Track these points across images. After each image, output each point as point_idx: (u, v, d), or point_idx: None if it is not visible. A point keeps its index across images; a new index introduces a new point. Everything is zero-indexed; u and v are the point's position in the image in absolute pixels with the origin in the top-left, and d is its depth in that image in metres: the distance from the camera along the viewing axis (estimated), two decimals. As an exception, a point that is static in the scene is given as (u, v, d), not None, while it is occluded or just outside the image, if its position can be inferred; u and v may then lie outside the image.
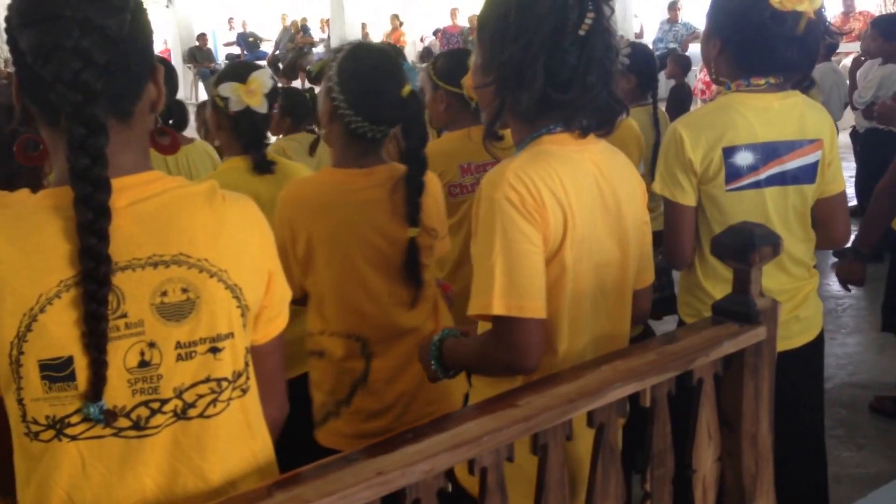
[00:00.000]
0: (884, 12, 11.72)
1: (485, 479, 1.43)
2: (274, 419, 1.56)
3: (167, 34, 20.55)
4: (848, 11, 12.64)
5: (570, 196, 1.70)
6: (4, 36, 1.35)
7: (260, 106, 2.63)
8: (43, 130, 1.34)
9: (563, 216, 1.69)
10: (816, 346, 2.56)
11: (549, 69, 1.68)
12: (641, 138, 3.74)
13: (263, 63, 20.14)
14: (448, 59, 3.17)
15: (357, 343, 2.31)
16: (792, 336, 2.40)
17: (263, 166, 2.70)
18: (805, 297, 2.47)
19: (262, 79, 2.64)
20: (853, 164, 7.06)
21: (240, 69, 2.74)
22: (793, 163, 2.34)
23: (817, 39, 2.30)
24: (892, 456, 3.77)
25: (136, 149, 1.36)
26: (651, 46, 13.15)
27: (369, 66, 2.27)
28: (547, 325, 1.71)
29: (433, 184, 2.40)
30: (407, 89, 2.22)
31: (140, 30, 1.33)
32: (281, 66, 18.83)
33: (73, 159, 1.22)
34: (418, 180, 2.25)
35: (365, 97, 2.23)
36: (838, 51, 7.90)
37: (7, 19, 1.28)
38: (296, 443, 2.42)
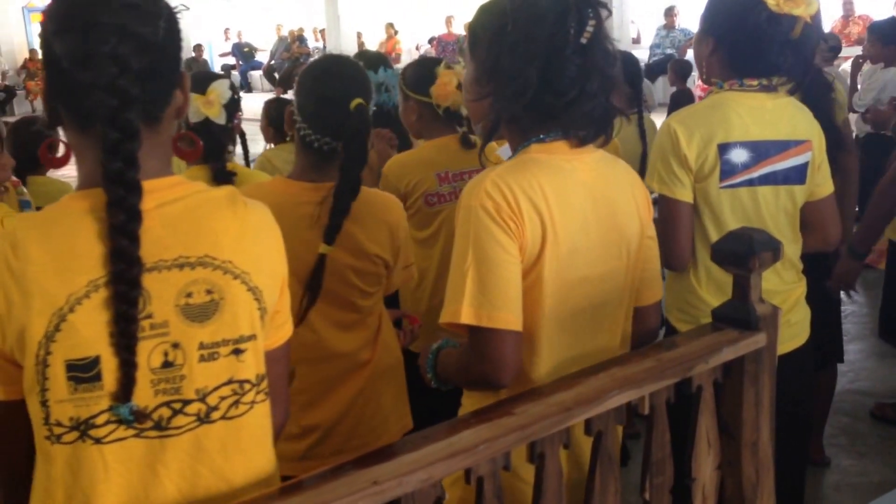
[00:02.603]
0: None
1: (481, 489, 1.41)
2: (279, 423, 1.57)
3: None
4: (847, 15, 12.70)
5: (553, 206, 1.66)
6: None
7: (218, 117, 2.63)
8: (70, 134, 1.38)
9: (542, 226, 1.66)
10: (806, 352, 2.53)
11: (549, 78, 1.66)
12: (619, 148, 3.70)
13: (258, 73, 20.33)
14: (416, 69, 3.14)
15: None
16: (782, 341, 2.35)
17: (222, 177, 2.70)
18: (795, 301, 2.45)
19: (221, 90, 2.64)
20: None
21: (200, 80, 2.72)
22: (784, 163, 2.34)
23: (812, 45, 2.29)
24: (893, 464, 3.76)
25: (162, 154, 1.40)
26: (648, 52, 13.22)
27: (323, 74, 2.23)
28: (523, 339, 1.67)
29: (391, 210, 2.33)
30: (355, 102, 2.14)
31: (172, 38, 1.37)
32: (277, 75, 18.91)
33: (107, 162, 1.26)
34: (345, 198, 2.14)
35: (311, 105, 2.19)
36: (839, 55, 7.91)
37: (43, 25, 1.33)
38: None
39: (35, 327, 1.27)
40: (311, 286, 2.16)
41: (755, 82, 2.31)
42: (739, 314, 1.76)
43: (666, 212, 2.36)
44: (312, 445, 2.25)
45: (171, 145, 1.46)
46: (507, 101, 1.70)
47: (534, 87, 1.66)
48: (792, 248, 2.43)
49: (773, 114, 2.32)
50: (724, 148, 2.28)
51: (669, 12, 13.64)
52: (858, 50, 7.14)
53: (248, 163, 3.52)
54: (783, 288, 2.41)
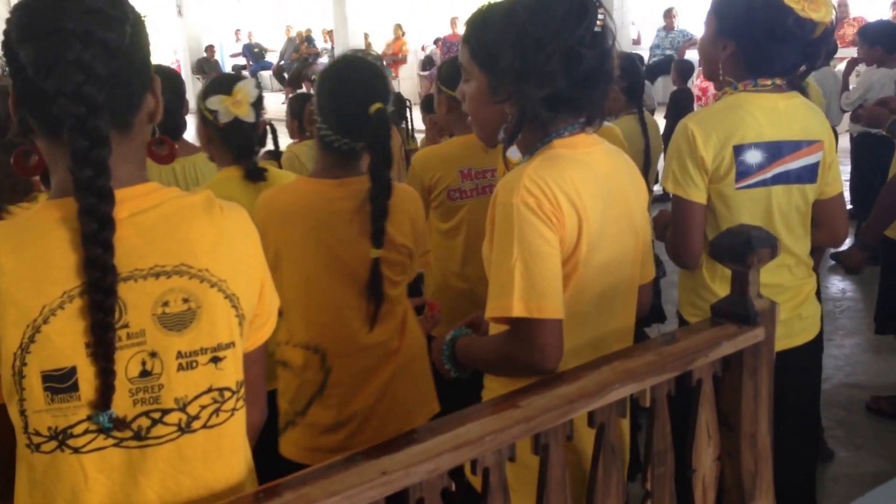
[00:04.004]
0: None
1: (487, 479, 1.45)
2: (256, 423, 1.58)
3: (177, 46, 20.76)
4: (842, 17, 12.74)
5: (584, 198, 1.72)
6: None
7: (248, 115, 2.67)
8: (41, 142, 1.35)
9: (578, 218, 1.71)
10: (816, 345, 2.58)
11: (570, 71, 1.71)
12: (625, 145, 3.75)
13: (268, 73, 20.42)
14: (451, 65, 3.22)
15: (316, 355, 2.30)
16: (794, 334, 2.42)
17: (256, 174, 2.74)
18: (807, 296, 2.49)
19: (247, 89, 2.68)
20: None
21: (224, 81, 2.76)
22: (796, 162, 2.37)
23: (826, 45, 2.33)
24: (888, 456, 3.81)
25: (135, 160, 1.38)
26: (648, 53, 13.23)
27: (343, 77, 2.28)
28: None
29: (411, 201, 2.40)
30: (374, 107, 2.19)
31: (139, 42, 1.34)
32: (286, 75, 18.95)
33: (76, 171, 1.24)
34: (381, 200, 2.21)
35: (331, 107, 2.25)
36: (834, 56, 7.96)
37: (6, 33, 1.30)
38: (261, 452, 2.45)
39: (10, 339, 1.25)
40: (372, 291, 2.25)
41: (769, 82, 2.35)
42: (738, 309, 1.79)
43: (679, 212, 2.40)
44: (350, 435, 2.31)
45: (146, 150, 1.43)
46: (537, 98, 1.72)
47: (562, 81, 1.70)
48: (802, 246, 2.47)
49: (786, 114, 2.36)
50: (739, 150, 2.31)
51: (668, 14, 13.63)
52: (853, 51, 7.20)
53: (278, 157, 3.64)
54: (795, 283, 2.45)
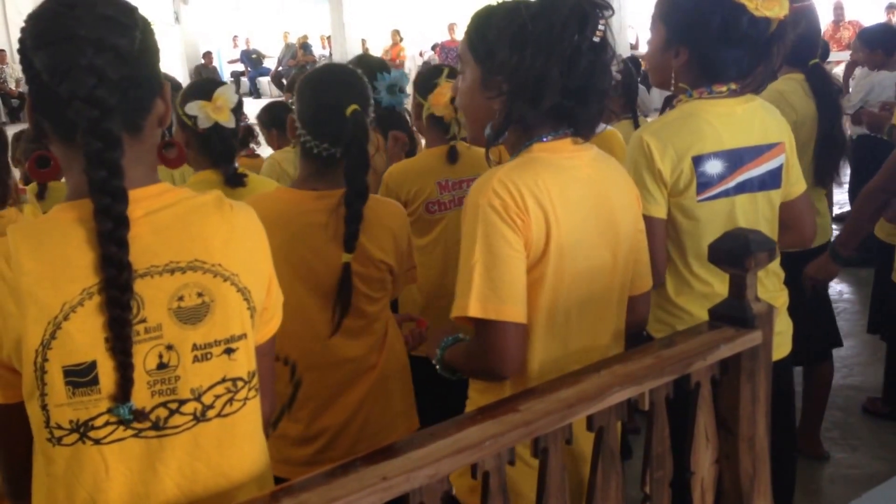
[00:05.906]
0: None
1: (487, 483, 1.45)
2: (266, 415, 1.61)
3: (175, 52, 20.78)
4: (838, 20, 12.81)
5: (556, 203, 1.72)
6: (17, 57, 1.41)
7: (228, 121, 2.68)
8: (56, 146, 1.40)
9: (546, 223, 1.71)
10: (788, 364, 2.51)
11: (564, 79, 1.70)
12: (626, 150, 3.73)
13: (266, 79, 20.41)
14: (425, 74, 3.20)
15: (286, 367, 2.24)
16: None
17: (235, 179, 2.74)
18: (779, 310, 2.41)
19: (227, 95, 2.69)
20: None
21: (204, 86, 2.77)
22: (758, 169, 2.29)
23: (782, 43, 2.23)
24: (885, 457, 3.81)
25: (146, 162, 1.43)
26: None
27: (319, 82, 2.27)
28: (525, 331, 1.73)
29: (394, 216, 2.36)
30: (350, 108, 2.16)
31: (148, 48, 1.40)
32: (285, 81, 18.99)
33: (91, 172, 1.29)
34: (355, 204, 2.15)
35: (309, 112, 2.22)
36: (829, 59, 7.99)
37: (21, 41, 1.35)
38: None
39: (31, 336, 1.30)
40: (341, 296, 2.19)
41: (724, 88, 2.25)
42: (736, 312, 1.79)
43: None
44: (321, 450, 2.27)
45: (157, 153, 1.48)
46: (528, 100, 1.72)
47: (555, 86, 1.70)
48: None
49: (744, 119, 2.27)
50: (698, 160, 2.21)
51: (665, 18, 13.63)
52: (848, 54, 7.22)
53: None
54: (766, 296, 2.30)
